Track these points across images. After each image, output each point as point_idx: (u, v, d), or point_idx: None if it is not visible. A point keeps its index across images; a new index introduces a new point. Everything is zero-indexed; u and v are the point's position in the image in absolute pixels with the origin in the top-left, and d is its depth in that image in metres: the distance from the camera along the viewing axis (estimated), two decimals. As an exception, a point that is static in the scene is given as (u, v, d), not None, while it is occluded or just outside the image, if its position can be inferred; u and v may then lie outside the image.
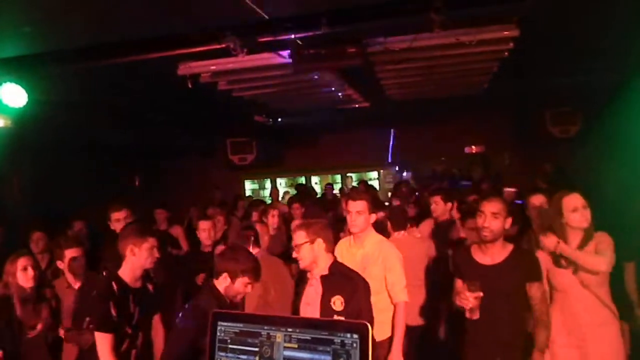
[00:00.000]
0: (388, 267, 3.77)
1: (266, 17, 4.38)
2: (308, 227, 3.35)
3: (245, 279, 3.03)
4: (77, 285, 4.24)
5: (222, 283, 3.09)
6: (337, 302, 3.18)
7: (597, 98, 8.27)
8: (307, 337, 1.46)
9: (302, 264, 3.34)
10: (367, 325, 1.43)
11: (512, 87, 8.11)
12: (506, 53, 5.47)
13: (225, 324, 1.57)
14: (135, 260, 3.33)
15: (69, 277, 4.28)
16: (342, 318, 3.11)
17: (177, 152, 11.60)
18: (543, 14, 4.66)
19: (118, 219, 4.85)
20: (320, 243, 3.28)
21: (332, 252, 3.44)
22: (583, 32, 5.37)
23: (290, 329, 1.49)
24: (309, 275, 3.39)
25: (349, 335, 1.41)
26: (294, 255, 3.37)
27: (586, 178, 7.73)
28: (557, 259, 3.41)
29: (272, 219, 6.10)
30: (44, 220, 6.36)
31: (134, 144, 9.98)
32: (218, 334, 1.58)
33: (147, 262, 3.37)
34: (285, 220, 6.78)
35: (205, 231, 5.27)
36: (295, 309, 3.46)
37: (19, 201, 8.39)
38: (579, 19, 4.98)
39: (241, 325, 1.56)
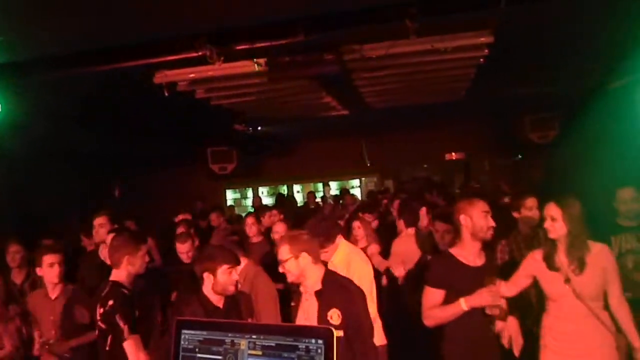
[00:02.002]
0: (358, 277, 3.71)
1: (242, 24, 4.38)
2: (291, 241, 3.15)
3: (224, 267, 3.03)
4: (54, 295, 4.17)
5: (207, 285, 3.11)
6: (334, 316, 3.02)
7: (573, 103, 8.38)
8: (272, 343, 1.44)
9: (290, 278, 3.17)
10: (331, 331, 1.40)
11: (490, 94, 8.18)
12: (482, 59, 5.51)
13: (189, 332, 1.54)
14: (132, 269, 3.49)
15: (48, 287, 4.19)
16: (341, 332, 2.98)
17: (157, 162, 11.49)
18: (517, 20, 4.71)
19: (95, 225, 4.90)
20: (305, 256, 3.10)
21: (320, 262, 3.27)
22: (557, 39, 5.44)
23: (254, 336, 1.47)
24: (301, 289, 3.22)
25: (313, 340, 1.39)
26: (280, 269, 3.18)
27: (563, 183, 7.81)
28: (552, 261, 3.24)
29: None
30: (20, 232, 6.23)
31: (113, 153, 9.88)
32: (182, 342, 1.55)
33: (142, 268, 3.56)
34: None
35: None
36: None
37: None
38: (554, 26, 5.04)
39: (205, 333, 1.52)
